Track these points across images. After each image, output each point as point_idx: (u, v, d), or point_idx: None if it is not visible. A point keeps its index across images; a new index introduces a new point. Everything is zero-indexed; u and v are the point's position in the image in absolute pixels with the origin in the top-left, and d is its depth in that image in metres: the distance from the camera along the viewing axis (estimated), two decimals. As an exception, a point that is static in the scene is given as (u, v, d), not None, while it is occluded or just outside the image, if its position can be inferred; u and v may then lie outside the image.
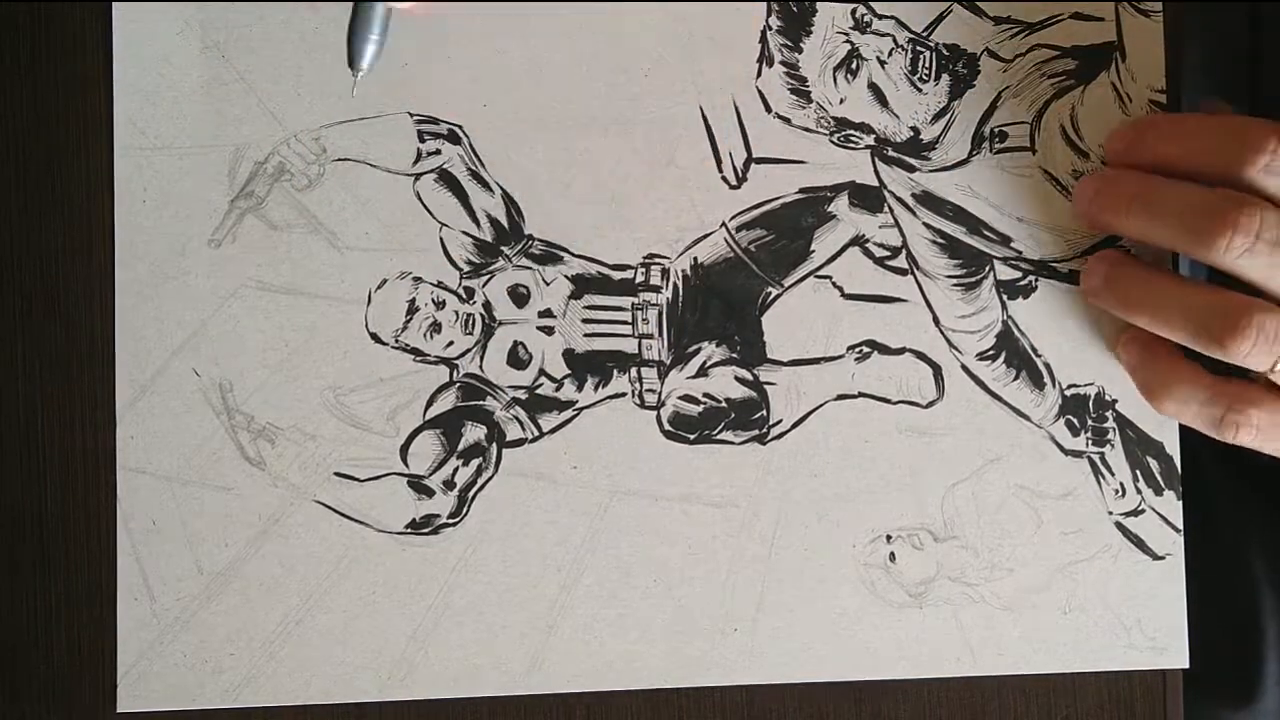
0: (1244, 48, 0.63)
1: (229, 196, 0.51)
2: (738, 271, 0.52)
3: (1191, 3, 0.54)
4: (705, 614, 0.51)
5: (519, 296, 0.52)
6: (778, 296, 0.52)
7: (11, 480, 0.51)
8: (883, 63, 0.52)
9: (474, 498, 0.51)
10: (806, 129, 0.52)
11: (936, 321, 0.52)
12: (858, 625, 0.52)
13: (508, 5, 0.51)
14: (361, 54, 0.51)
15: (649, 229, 0.52)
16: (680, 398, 0.52)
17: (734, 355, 0.52)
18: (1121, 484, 0.52)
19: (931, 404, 0.52)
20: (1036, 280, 0.52)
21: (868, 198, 0.52)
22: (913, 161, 0.52)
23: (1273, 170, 0.47)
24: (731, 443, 0.52)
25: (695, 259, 0.52)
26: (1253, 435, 0.49)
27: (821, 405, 0.52)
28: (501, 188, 0.51)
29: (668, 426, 0.52)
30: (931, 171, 0.52)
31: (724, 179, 0.52)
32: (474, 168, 0.51)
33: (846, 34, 0.52)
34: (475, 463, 0.51)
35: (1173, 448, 0.53)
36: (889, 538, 0.52)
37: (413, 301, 0.51)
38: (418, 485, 0.51)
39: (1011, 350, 0.52)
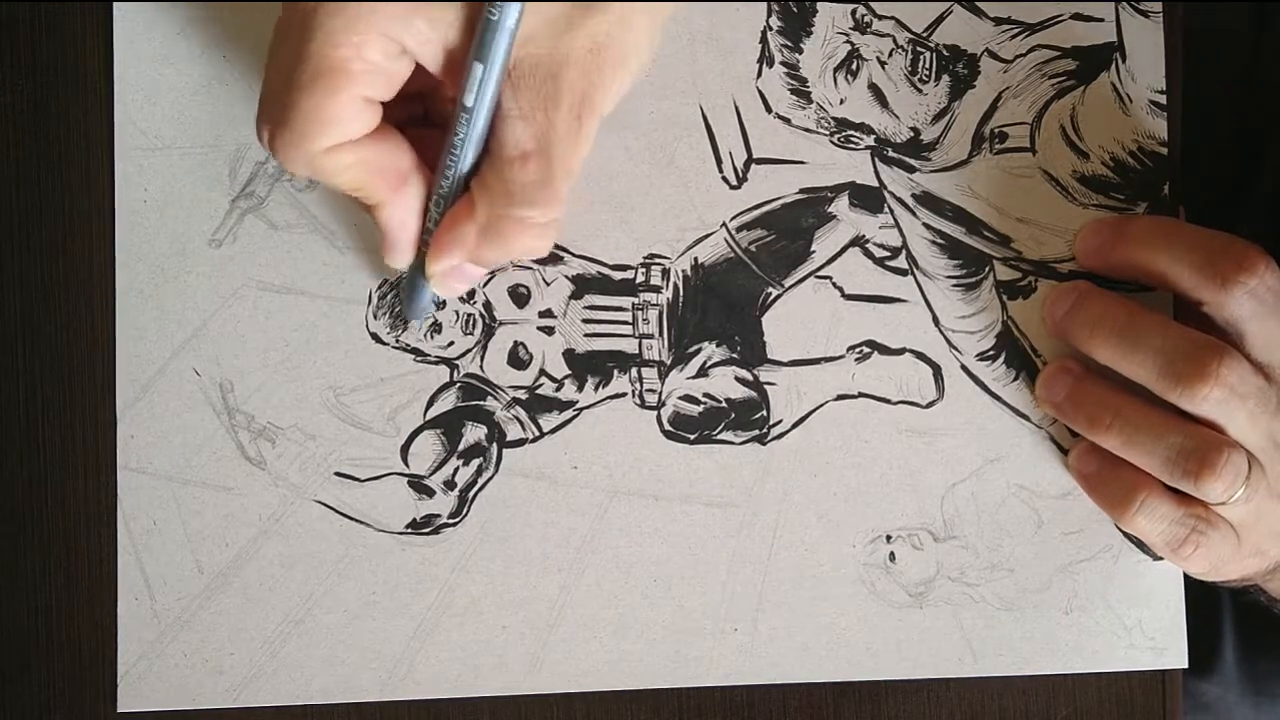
0: (1246, 47, 0.63)
1: (230, 196, 0.51)
2: (738, 272, 0.52)
3: (1193, 2, 0.54)
4: (705, 614, 0.51)
5: (519, 296, 0.52)
6: (778, 297, 0.52)
7: (12, 480, 0.51)
8: (883, 63, 0.52)
9: (474, 498, 0.51)
10: (807, 129, 0.52)
11: (936, 322, 0.52)
12: (858, 625, 0.52)
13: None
14: (421, 313, 0.51)
15: (649, 229, 0.52)
16: (680, 398, 0.52)
17: (734, 355, 0.52)
18: (1121, 484, 0.52)
19: (931, 404, 0.52)
20: (1036, 281, 0.52)
21: (868, 198, 0.52)
22: (913, 162, 0.52)
23: (1256, 294, 0.47)
24: (732, 443, 0.52)
25: (695, 259, 0.52)
26: (1204, 556, 0.50)
27: (822, 405, 0.52)
28: (502, 188, 0.51)
29: (668, 426, 0.52)
30: (932, 172, 0.52)
31: (724, 179, 0.52)
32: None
33: (846, 34, 0.52)
34: (476, 463, 0.51)
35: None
36: (889, 538, 0.52)
37: (413, 301, 0.51)
38: (418, 485, 0.51)
39: (1011, 350, 0.52)
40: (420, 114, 0.48)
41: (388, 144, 0.45)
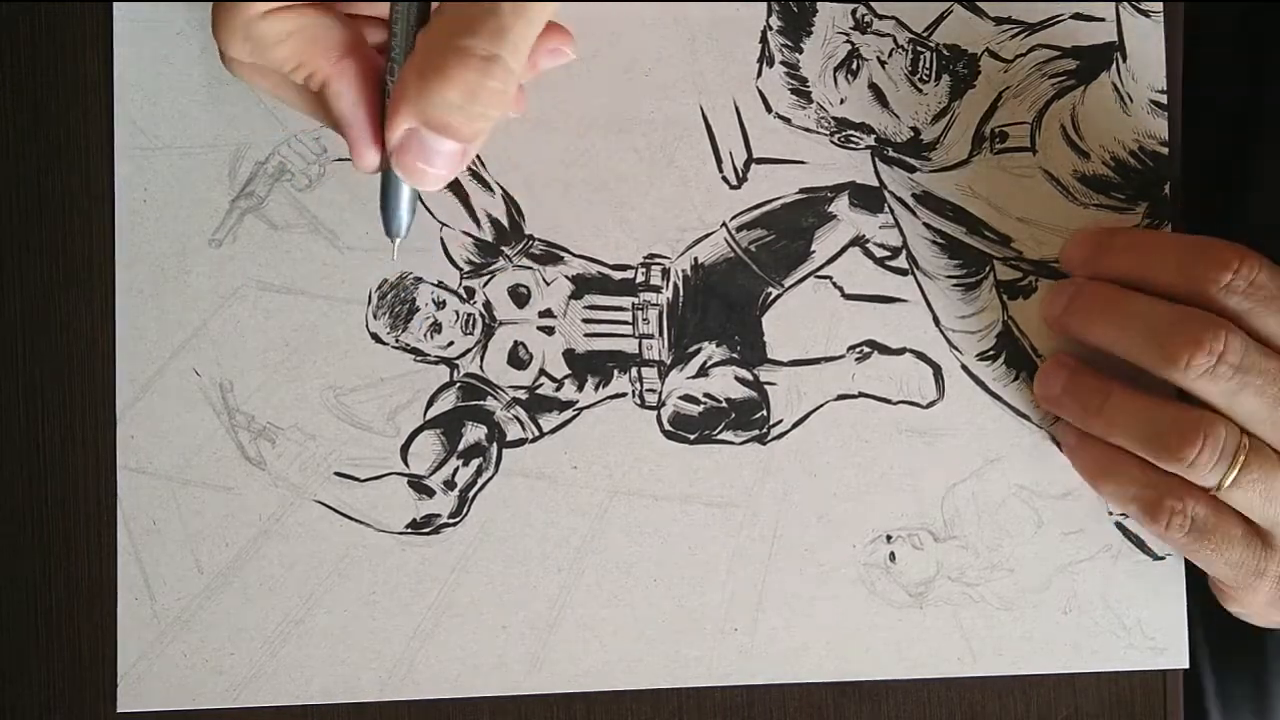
0: (1255, 47, 0.62)
1: (230, 196, 0.51)
2: (738, 271, 0.52)
3: (1194, 2, 0.54)
4: (705, 614, 0.51)
5: (519, 296, 0.52)
6: (778, 296, 0.52)
7: (12, 480, 0.51)
8: (883, 63, 0.52)
9: (474, 497, 0.51)
10: (807, 129, 0.52)
11: (937, 322, 0.52)
12: (858, 625, 0.52)
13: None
14: (398, 223, 0.47)
15: (649, 229, 0.52)
16: (680, 398, 0.52)
17: (734, 355, 0.52)
18: (1121, 483, 0.52)
19: (932, 404, 0.52)
20: (1036, 280, 0.52)
21: (868, 198, 0.52)
22: (913, 162, 0.52)
23: (1234, 289, 0.47)
24: (732, 443, 0.52)
25: (696, 259, 0.52)
26: (1184, 528, 0.48)
27: (822, 405, 0.52)
28: (502, 188, 0.51)
29: (668, 426, 0.52)
30: (932, 172, 0.52)
31: (724, 179, 0.52)
32: (474, 168, 0.51)
33: (847, 34, 0.52)
34: (475, 463, 0.51)
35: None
36: (889, 538, 0.52)
37: (413, 302, 0.51)
38: (418, 485, 0.51)
39: (1012, 350, 0.52)
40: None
41: (329, 17, 0.43)
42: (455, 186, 0.51)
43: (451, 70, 0.40)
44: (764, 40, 0.52)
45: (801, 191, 0.52)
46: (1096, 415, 0.49)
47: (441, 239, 0.51)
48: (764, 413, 0.52)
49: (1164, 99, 0.52)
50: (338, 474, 0.51)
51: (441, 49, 0.40)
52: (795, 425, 0.52)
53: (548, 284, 0.52)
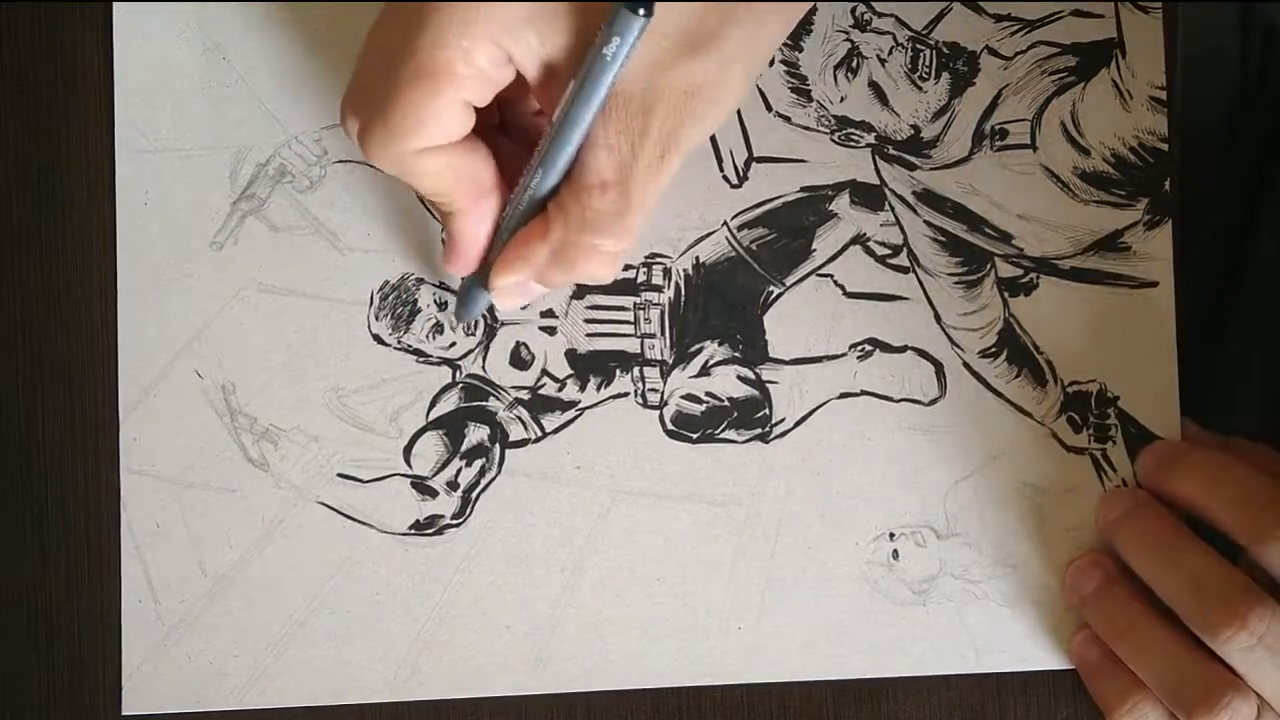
0: (1260, 49, 0.62)
1: (230, 199, 0.51)
2: (739, 270, 0.52)
3: (1190, 1, 0.54)
4: (708, 613, 0.51)
5: (521, 296, 0.52)
6: (779, 295, 0.52)
7: (13, 483, 0.51)
8: (883, 61, 0.52)
9: (477, 498, 0.51)
10: (807, 128, 0.52)
11: (938, 319, 0.52)
12: (861, 623, 0.52)
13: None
14: (471, 318, 0.51)
15: (650, 228, 0.52)
16: (683, 397, 0.52)
17: (736, 354, 0.52)
18: (1124, 480, 0.52)
19: (934, 401, 0.52)
20: (1038, 277, 0.52)
21: (869, 196, 0.52)
22: (913, 160, 0.52)
23: None
24: (734, 441, 0.52)
25: (697, 258, 0.52)
26: None
27: (824, 403, 0.52)
28: (503, 188, 0.51)
29: (670, 426, 0.52)
30: (932, 169, 0.52)
31: (725, 178, 0.52)
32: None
33: (846, 32, 0.52)
34: (478, 463, 0.51)
35: (1174, 444, 0.53)
36: (892, 535, 0.52)
37: (415, 303, 0.51)
38: (421, 486, 0.51)
39: (1013, 347, 0.52)
40: (495, 121, 0.48)
41: (476, 153, 0.44)
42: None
43: (582, 264, 0.45)
44: (764, 39, 0.52)
45: (802, 190, 0.52)
46: (1121, 638, 0.49)
47: (443, 240, 0.51)
48: (766, 411, 0.52)
49: (1164, 95, 0.52)
50: (340, 475, 0.51)
51: (575, 243, 0.44)
52: (797, 424, 0.52)
53: (549, 284, 0.52)
